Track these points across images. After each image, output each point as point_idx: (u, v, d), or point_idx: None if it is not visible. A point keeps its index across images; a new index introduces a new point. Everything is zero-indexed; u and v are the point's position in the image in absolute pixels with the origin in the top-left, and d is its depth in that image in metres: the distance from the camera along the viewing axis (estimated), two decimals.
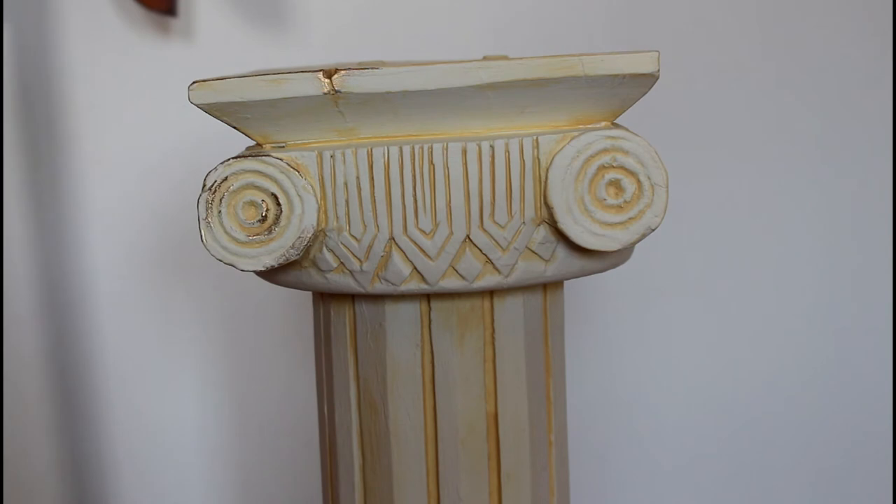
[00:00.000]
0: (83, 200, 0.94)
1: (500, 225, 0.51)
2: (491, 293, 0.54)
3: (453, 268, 0.51)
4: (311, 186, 0.51)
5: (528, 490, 0.56)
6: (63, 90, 0.92)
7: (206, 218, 0.51)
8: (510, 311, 0.54)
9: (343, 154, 0.50)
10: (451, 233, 0.51)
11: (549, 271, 0.52)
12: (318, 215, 0.51)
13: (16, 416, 0.97)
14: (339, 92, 0.49)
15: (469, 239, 0.51)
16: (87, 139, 0.93)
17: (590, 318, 0.98)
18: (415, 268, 0.51)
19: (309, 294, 0.89)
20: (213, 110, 0.51)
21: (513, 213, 0.51)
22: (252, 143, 0.54)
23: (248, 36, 0.92)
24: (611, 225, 0.51)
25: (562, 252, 0.52)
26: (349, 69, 0.49)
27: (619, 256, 0.55)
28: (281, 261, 0.51)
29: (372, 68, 0.49)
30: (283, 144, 0.52)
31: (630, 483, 1.01)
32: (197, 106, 0.50)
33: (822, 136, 0.96)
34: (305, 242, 0.51)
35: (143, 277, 0.96)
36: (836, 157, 0.96)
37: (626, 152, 0.51)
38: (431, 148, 0.50)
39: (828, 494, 1.02)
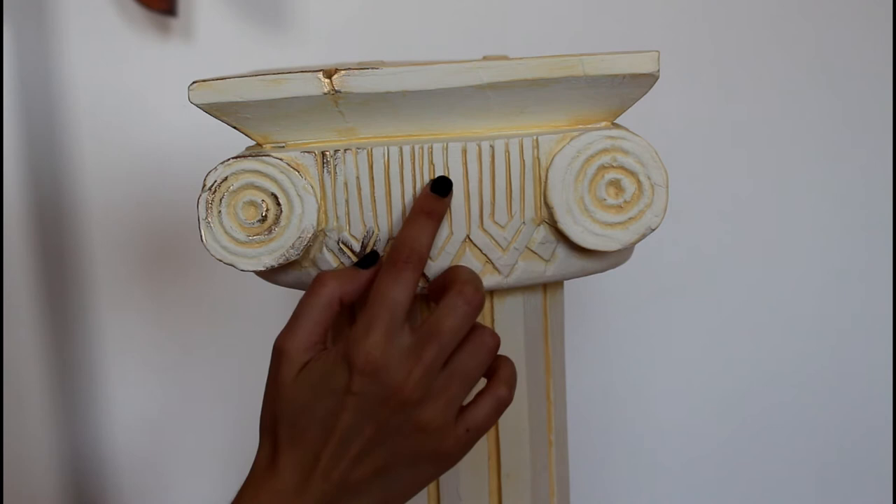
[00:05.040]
0: (83, 200, 0.94)
1: (500, 225, 0.51)
2: (491, 293, 0.54)
3: None
4: (311, 186, 0.51)
5: (528, 490, 0.56)
6: (63, 90, 0.92)
7: (206, 218, 0.51)
8: (510, 310, 0.54)
9: (343, 154, 0.50)
10: (451, 233, 0.51)
11: (549, 271, 0.52)
12: (318, 215, 0.51)
13: (15, 416, 0.97)
14: (339, 92, 0.49)
15: (469, 239, 0.51)
16: (86, 139, 0.93)
17: (590, 318, 0.98)
18: None
19: None
20: (213, 110, 0.50)
21: (513, 213, 0.51)
22: (252, 143, 0.54)
23: (248, 36, 0.92)
24: (611, 225, 0.51)
25: (562, 252, 0.52)
26: (349, 69, 0.49)
27: (619, 256, 0.55)
28: (281, 261, 0.51)
29: (372, 68, 0.49)
30: (283, 144, 0.52)
31: (630, 483, 1.01)
32: (197, 106, 0.50)
33: (823, 136, 0.96)
34: (305, 242, 0.51)
35: (143, 277, 0.96)
36: (837, 157, 0.96)
37: (626, 152, 0.51)
38: (431, 148, 0.50)
39: (828, 494, 1.01)
